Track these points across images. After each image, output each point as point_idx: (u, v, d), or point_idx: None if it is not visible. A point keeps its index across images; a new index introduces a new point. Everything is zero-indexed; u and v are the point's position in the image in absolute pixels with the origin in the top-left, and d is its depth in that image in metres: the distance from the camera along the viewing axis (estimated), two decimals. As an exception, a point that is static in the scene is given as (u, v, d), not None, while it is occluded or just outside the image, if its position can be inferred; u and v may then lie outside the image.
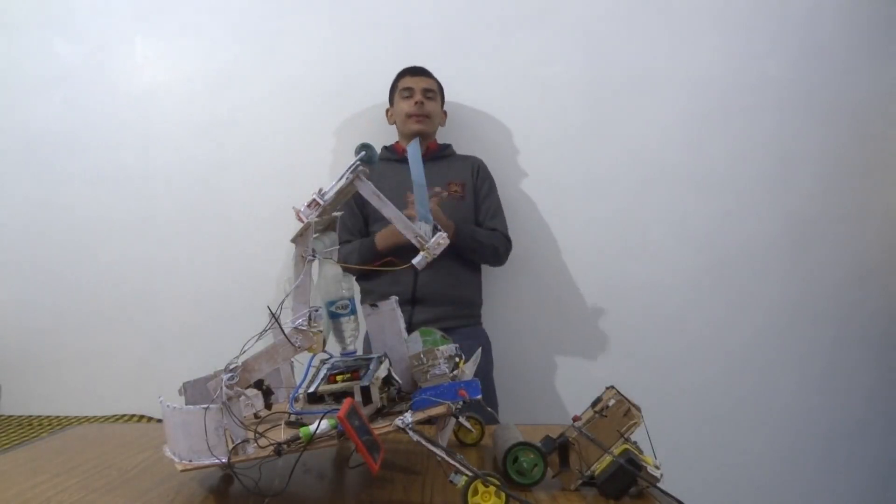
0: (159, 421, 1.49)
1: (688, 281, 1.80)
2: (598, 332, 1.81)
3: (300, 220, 0.74)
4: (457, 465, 0.65)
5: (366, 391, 0.73)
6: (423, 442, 0.66)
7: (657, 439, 0.77)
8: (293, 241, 0.74)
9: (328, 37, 1.83)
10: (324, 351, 0.79)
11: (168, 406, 0.73)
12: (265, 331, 0.71)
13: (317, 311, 0.72)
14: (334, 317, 0.85)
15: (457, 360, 0.82)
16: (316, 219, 0.74)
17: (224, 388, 0.69)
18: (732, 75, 1.80)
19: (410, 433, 0.66)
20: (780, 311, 1.81)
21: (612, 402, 0.76)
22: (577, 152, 1.80)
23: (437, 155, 1.65)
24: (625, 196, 1.81)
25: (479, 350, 0.94)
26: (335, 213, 0.86)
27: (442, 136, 1.73)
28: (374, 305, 0.87)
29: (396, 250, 1.44)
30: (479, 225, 1.61)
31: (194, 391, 0.82)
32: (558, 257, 1.81)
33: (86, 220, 1.85)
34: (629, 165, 1.80)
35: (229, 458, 0.69)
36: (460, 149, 1.72)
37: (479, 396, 0.72)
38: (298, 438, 0.67)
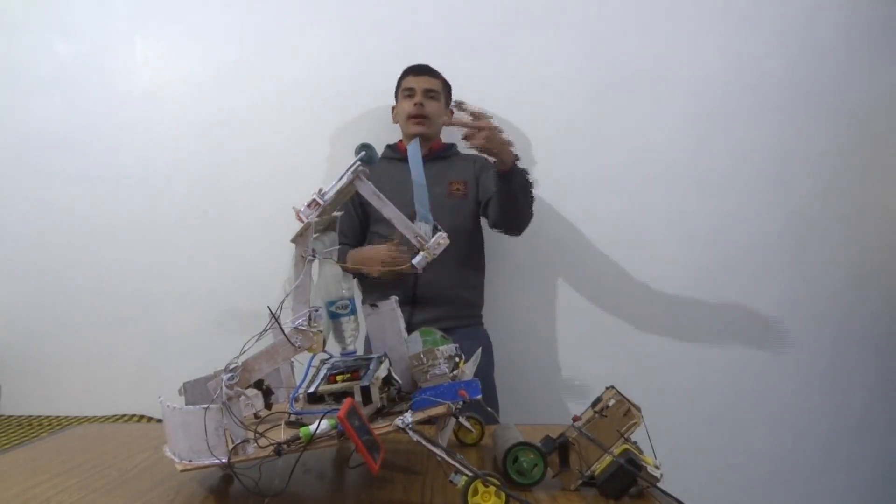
0: (159, 421, 1.49)
1: (688, 280, 1.80)
2: (598, 332, 1.81)
3: (300, 220, 0.74)
4: (457, 465, 0.65)
5: (366, 391, 0.73)
6: (423, 442, 0.66)
7: (657, 439, 0.77)
8: (293, 241, 0.74)
9: (328, 37, 1.83)
10: (324, 351, 0.79)
11: (168, 406, 0.73)
12: (265, 331, 0.71)
13: (317, 311, 0.72)
14: (334, 317, 0.85)
15: (457, 360, 0.82)
16: (316, 219, 0.74)
17: (224, 388, 0.69)
18: (734, 75, 1.80)
19: (410, 433, 0.66)
20: (781, 311, 1.81)
21: (612, 402, 0.76)
22: (577, 152, 1.80)
23: (440, 155, 1.63)
24: (625, 195, 1.80)
25: (479, 350, 0.94)
26: (335, 214, 0.86)
27: (447, 136, 1.72)
28: (374, 305, 0.88)
29: (364, 275, 1.41)
30: (485, 207, 1.55)
31: (194, 391, 0.82)
32: (558, 257, 1.80)
33: (86, 220, 1.85)
34: (630, 165, 1.80)
35: (229, 458, 0.69)
36: (463, 148, 1.71)
37: (479, 396, 0.72)
38: (298, 438, 0.67)
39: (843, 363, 1.81)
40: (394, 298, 0.89)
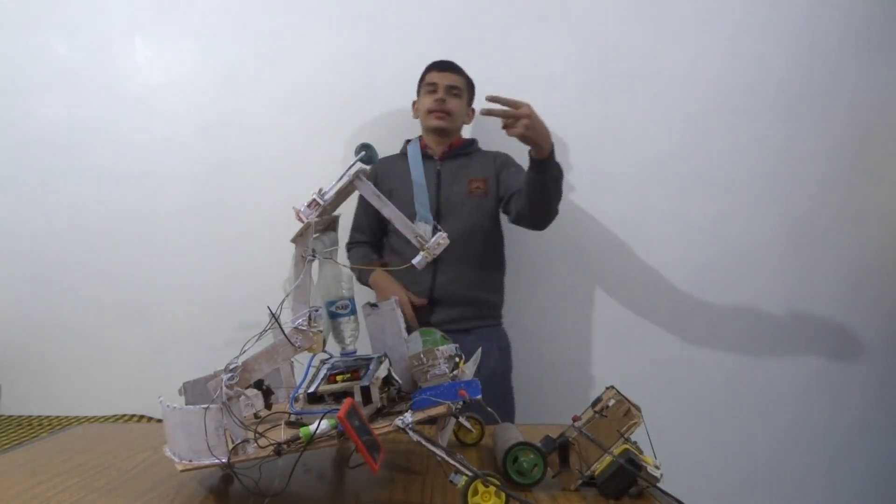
0: (159, 421, 1.49)
1: (688, 280, 1.80)
2: (597, 331, 1.81)
3: (300, 220, 0.74)
4: (457, 465, 0.65)
5: (366, 391, 0.73)
6: (423, 442, 0.66)
7: (657, 439, 0.77)
8: (293, 241, 0.74)
9: (328, 37, 1.83)
10: (324, 351, 0.79)
11: (168, 406, 0.73)
12: (265, 331, 0.72)
13: (317, 311, 0.72)
14: (334, 317, 0.85)
15: (457, 360, 0.82)
16: (316, 219, 0.74)
17: (224, 388, 0.69)
18: (734, 76, 1.80)
19: (410, 433, 0.66)
20: (781, 311, 1.81)
21: (612, 402, 0.76)
22: (577, 152, 1.80)
23: (460, 152, 1.60)
24: (625, 195, 1.80)
25: (479, 350, 0.93)
26: (335, 214, 0.86)
27: (469, 132, 1.70)
28: (374, 305, 0.87)
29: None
30: (507, 203, 1.52)
31: (194, 391, 0.82)
32: (558, 257, 1.80)
33: (86, 220, 1.84)
34: (630, 165, 1.80)
35: (229, 458, 0.69)
36: (484, 144, 1.69)
37: (479, 396, 0.72)
38: (298, 438, 0.67)
39: (843, 363, 1.81)
40: (394, 298, 0.89)
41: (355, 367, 0.78)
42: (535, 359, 1.76)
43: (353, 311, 0.86)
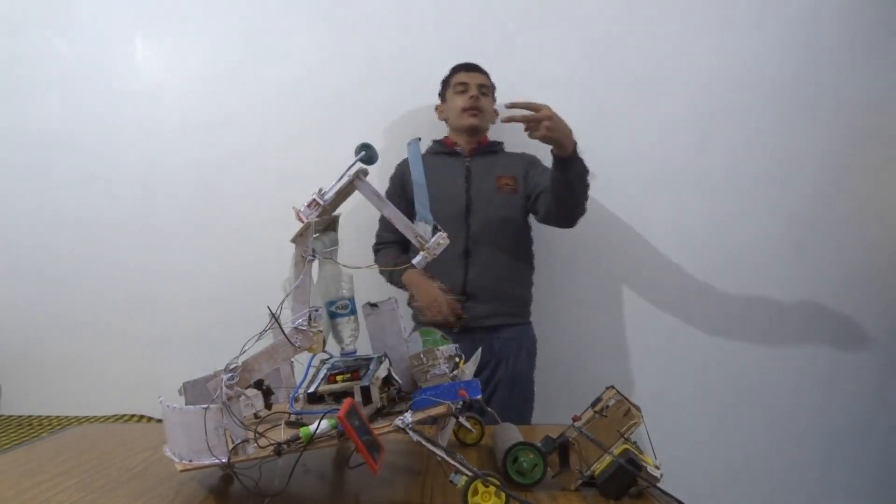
0: (159, 421, 1.49)
1: (688, 281, 1.80)
2: (598, 331, 1.81)
3: (300, 220, 0.74)
4: (457, 465, 0.65)
5: (366, 391, 0.73)
6: (423, 442, 0.66)
7: (657, 439, 0.77)
8: (293, 241, 0.74)
9: (329, 37, 1.83)
10: (324, 351, 0.79)
11: (168, 406, 0.73)
12: (265, 331, 0.71)
13: (317, 311, 0.72)
14: (334, 317, 0.85)
15: (457, 360, 0.82)
16: (316, 219, 0.74)
17: (224, 388, 0.69)
18: (735, 76, 1.80)
19: (410, 433, 0.66)
20: (782, 312, 1.81)
21: (612, 402, 0.76)
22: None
23: (488, 150, 1.62)
24: (626, 196, 1.80)
25: (479, 351, 0.93)
26: (335, 214, 0.86)
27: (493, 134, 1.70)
28: (373, 305, 0.87)
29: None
30: (535, 202, 1.53)
31: (194, 391, 0.82)
32: (557, 257, 1.80)
33: (86, 220, 1.85)
34: (631, 165, 1.80)
35: (229, 458, 0.69)
36: (510, 146, 1.69)
37: (479, 396, 0.72)
38: (298, 438, 0.67)
39: (843, 363, 1.81)
40: (394, 298, 0.89)
41: (355, 367, 0.78)
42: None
43: (353, 311, 0.86)
